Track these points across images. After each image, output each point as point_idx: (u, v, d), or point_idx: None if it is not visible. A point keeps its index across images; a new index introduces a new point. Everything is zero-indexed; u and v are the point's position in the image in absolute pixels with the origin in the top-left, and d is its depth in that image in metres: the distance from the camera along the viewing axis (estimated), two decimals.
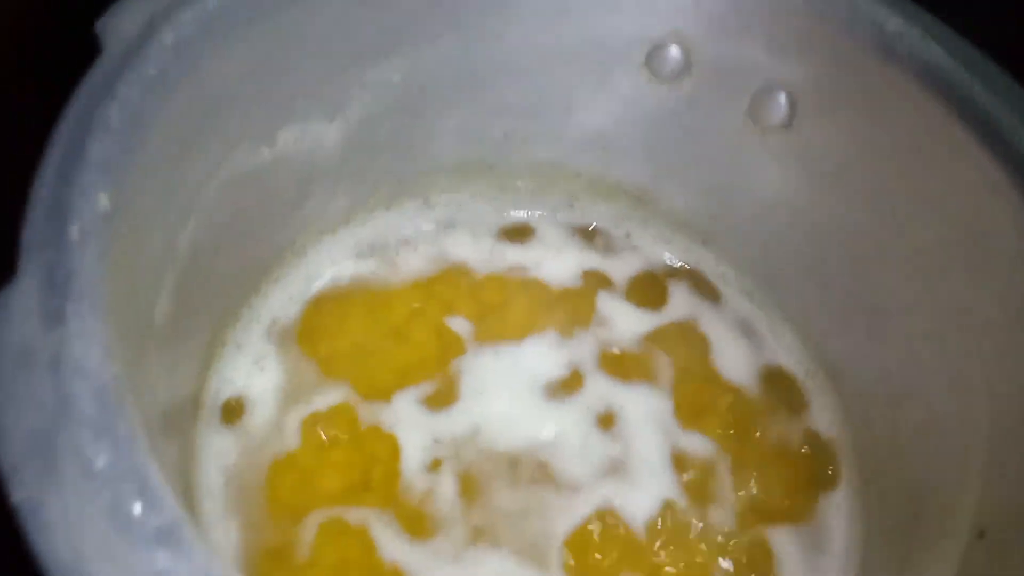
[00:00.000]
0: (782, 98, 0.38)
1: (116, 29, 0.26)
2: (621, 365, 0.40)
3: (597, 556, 0.34)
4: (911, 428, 0.35)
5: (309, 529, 0.33)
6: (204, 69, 0.27)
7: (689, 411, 0.39)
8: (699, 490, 0.37)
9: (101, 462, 0.17)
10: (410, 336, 0.40)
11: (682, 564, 0.35)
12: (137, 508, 0.17)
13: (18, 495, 0.17)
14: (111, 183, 0.22)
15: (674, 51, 0.39)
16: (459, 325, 0.40)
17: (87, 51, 0.25)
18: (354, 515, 0.34)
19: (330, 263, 0.41)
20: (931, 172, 0.34)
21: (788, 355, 0.42)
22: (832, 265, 0.39)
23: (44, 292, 0.19)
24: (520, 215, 0.45)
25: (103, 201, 0.22)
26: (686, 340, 0.42)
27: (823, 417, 0.40)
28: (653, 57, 0.39)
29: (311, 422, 0.36)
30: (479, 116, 0.41)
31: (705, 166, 0.42)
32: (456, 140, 0.41)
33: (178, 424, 0.32)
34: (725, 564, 0.35)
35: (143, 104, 0.24)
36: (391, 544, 0.33)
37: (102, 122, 0.23)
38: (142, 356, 0.25)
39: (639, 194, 0.44)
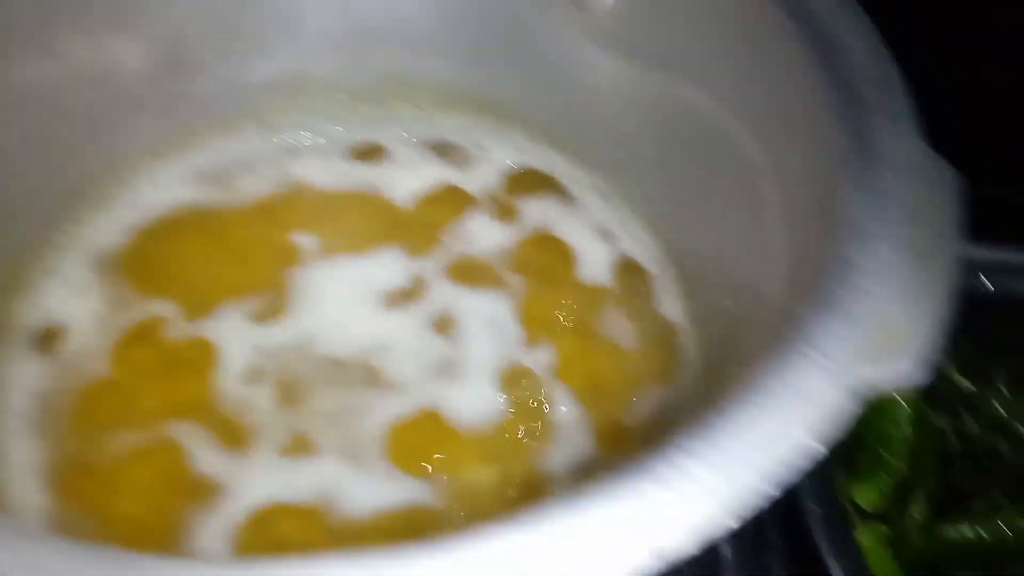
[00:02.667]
0: None
1: None
2: (470, 273, 0.40)
3: (418, 453, 0.34)
4: (735, 299, 0.35)
5: (121, 446, 0.33)
6: None
7: (533, 313, 0.38)
8: (535, 388, 0.36)
9: None
10: (247, 257, 0.39)
11: (511, 458, 0.34)
12: None
13: None
14: None
15: None
16: (303, 243, 0.40)
17: None
18: (168, 431, 0.33)
19: (161, 189, 0.40)
20: (748, 48, 0.33)
21: (641, 250, 0.41)
22: (673, 154, 0.39)
23: None
24: (370, 135, 0.44)
25: None
26: (541, 245, 0.41)
27: (672, 305, 0.39)
28: None
29: (129, 344, 0.35)
30: (296, 22, 0.40)
31: (538, 63, 0.41)
32: (280, 54, 0.41)
33: None
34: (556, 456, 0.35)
35: None
36: (205, 457, 0.33)
37: None
38: None
39: (483, 101, 0.43)
